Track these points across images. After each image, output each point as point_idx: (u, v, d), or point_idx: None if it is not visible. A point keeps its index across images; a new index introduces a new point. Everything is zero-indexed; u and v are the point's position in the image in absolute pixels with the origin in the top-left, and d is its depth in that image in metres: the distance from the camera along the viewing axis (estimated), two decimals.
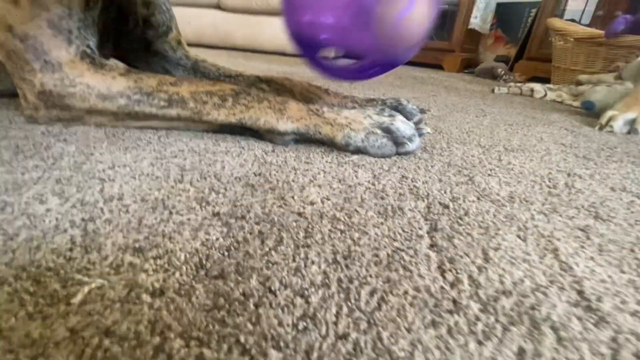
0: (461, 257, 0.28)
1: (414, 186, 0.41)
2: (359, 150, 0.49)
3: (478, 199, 0.39)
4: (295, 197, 0.36)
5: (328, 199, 0.36)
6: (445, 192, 0.40)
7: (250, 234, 0.29)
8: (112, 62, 0.48)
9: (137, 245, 0.26)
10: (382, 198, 0.38)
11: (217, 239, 0.28)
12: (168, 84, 0.47)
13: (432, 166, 0.48)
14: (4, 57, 0.44)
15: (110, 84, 0.45)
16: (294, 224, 0.31)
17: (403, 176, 0.44)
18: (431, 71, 2.21)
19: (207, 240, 0.27)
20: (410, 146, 0.49)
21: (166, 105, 0.47)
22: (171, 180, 0.37)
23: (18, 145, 0.42)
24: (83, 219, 0.29)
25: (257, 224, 0.30)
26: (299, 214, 0.33)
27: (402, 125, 0.49)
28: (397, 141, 0.49)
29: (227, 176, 0.39)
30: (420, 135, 0.52)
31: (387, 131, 0.48)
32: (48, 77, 0.44)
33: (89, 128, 0.48)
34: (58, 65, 0.44)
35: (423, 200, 0.38)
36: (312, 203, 0.35)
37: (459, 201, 0.38)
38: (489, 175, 0.47)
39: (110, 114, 0.47)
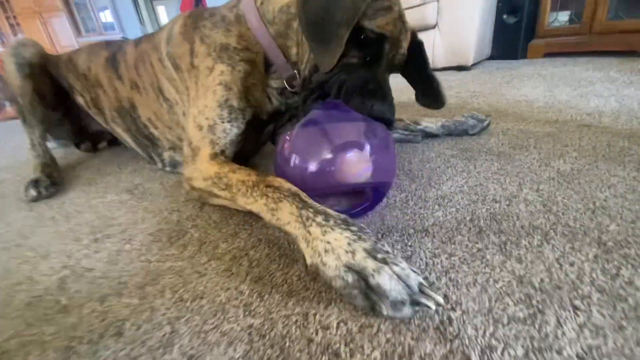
0: None
1: None
2: (328, 286, 0.40)
3: None
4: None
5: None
6: None
7: None
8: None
9: None
10: None
11: None
12: (232, 171, 0.56)
13: None
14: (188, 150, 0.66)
15: (209, 169, 0.60)
16: None
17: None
18: (617, 62, 1.62)
19: None
20: (394, 312, 0.34)
21: (224, 188, 0.56)
22: None
23: None
24: None
25: None
26: None
27: (387, 283, 0.34)
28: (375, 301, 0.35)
29: None
30: (419, 305, 0.34)
31: (365, 283, 0.36)
32: (190, 165, 0.64)
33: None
34: (196, 160, 0.64)
35: None
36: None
37: None
38: None
39: (205, 191, 0.62)
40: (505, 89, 1.39)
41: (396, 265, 0.36)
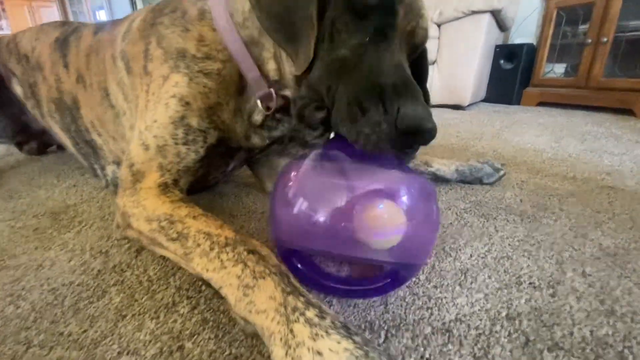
0: None
1: None
2: None
3: None
4: None
5: None
6: None
7: None
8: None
9: None
10: None
11: None
12: (192, 217, 0.40)
13: None
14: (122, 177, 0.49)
15: (156, 208, 0.43)
16: None
17: None
18: (614, 119, 1.60)
19: None
20: None
21: (174, 237, 0.39)
22: None
23: None
24: None
25: None
26: None
27: None
28: None
29: None
30: None
31: None
32: (129, 197, 0.46)
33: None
34: (136, 190, 0.46)
35: None
36: None
37: None
38: None
39: (147, 237, 0.44)
40: (507, 134, 1.31)
41: None
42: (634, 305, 0.38)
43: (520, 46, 2.14)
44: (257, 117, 0.52)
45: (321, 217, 0.34)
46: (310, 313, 0.27)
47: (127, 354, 0.32)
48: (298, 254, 0.41)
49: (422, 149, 1.04)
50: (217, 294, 0.39)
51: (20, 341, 0.34)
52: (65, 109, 0.72)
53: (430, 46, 1.99)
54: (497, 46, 2.21)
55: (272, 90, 0.49)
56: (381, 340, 0.33)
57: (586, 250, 0.49)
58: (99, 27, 0.70)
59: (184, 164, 0.48)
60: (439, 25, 2.00)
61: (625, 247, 0.50)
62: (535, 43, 2.22)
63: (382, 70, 0.38)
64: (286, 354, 0.26)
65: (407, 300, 0.39)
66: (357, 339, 0.26)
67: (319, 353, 0.25)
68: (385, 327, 0.35)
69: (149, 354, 0.32)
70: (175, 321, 0.36)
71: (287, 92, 0.49)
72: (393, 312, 0.37)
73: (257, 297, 0.30)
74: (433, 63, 2.08)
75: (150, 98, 0.49)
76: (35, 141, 1.06)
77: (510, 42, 2.43)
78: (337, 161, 0.38)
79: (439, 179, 0.75)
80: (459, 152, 1.04)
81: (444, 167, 0.74)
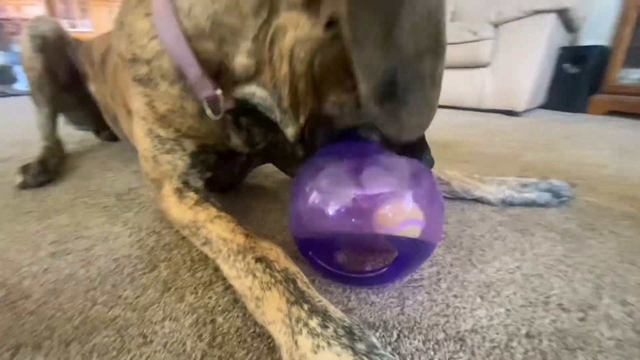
0: None
1: None
2: None
3: None
4: None
5: None
6: None
7: None
8: (193, 193, 0.49)
9: None
10: None
11: None
12: (210, 221, 0.43)
13: None
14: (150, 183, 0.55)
15: (182, 216, 0.47)
16: None
17: None
18: None
19: None
20: None
21: (204, 242, 0.43)
22: None
23: None
24: None
25: None
26: None
27: None
28: None
29: None
30: None
31: None
32: (161, 203, 0.52)
33: None
34: (162, 198, 0.51)
35: None
36: None
37: None
38: None
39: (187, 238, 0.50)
40: (564, 145, 1.22)
41: None
42: None
43: (590, 48, 1.95)
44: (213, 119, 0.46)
45: (334, 209, 0.38)
46: (314, 322, 0.29)
47: (170, 320, 0.37)
48: (314, 244, 0.43)
49: (460, 157, 1.01)
50: None
51: (87, 299, 0.41)
52: (113, 119, 0.83)
53: (485, 47, 1.90)
54: (561, 48, 2.03)
55: (217, 93, 0.43)
56: (393, 339, 0.35)
57: (631, 278, 0.46)
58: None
59: (179, 170, 0.51)
60: (495, 26, 1.89)
61: None
62: (608, 45, 2.00)
63: None
64: None
65: (424, 305, 0.40)
66: (361, 346, 0.27)
67: None
68: (399, 328, 0.36)
69: (187, 323, 0.37)
70: (210, 297, 0.41)
71: (254, 91, 0.43)
72: (408, 315, 0.38)
73: (267, 309, 0.32)
74: (486, 65, 1.97)
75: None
76: (109, 130, 1.21)
77: (578, 43, 2.21)
78: (349, 157, 0.42)
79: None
80: (505, 162, 0.99)
81: (490, 194, 0.67)
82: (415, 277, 0.45)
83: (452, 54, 2.10)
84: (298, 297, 0.31)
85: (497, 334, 0.36)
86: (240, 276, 0.36)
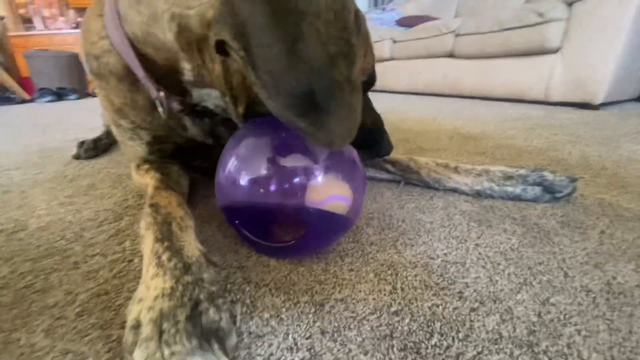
0: None
1: None
2: None
3: None
4: None
5: None
6: None
7: None
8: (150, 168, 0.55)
9: None
10: None
11: None
12: (151, 185, 0.49)
13: None
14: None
15: (138, 181, 0.56)
16: None
17: None
18: None
19: None
20: None
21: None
22: None
23: None
24: None
25: None
26: None
27: None
28: None
29: None
30: None
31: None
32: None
33: None
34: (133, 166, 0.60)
35: None
36: None
37: None
38: None
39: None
40: (628, 141, 1.00)
41: None
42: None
43: None
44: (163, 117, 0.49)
45: (247, 180, 0.39)
46: (165, 256, 0.33)
47: (100, 255, 0.45)
48: (235, 212, 0.46)
49: (479, 149, 0.92)
50: None
51: (57, 234, 0.52)
52: None
53: (554, 30, 1.65)
54: None
55: (160, 95, 0.45)
56: (258, 294, 0.37)
57: (580, 280, 0.38)
58: None
59: (140, 154, 0.57)
60: (569, 4, 1.62)
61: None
62: None
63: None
64: (139, 288, 0.31)
65: (314, 272, 0.40)
66: (187, 278, 0.31)
67: (147, 287, 0.30)
68: (270, 287, 0.38)
69: (109, 256, 0.44)
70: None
71: (209, 93, 0.45)
72: (290, 278, 0.39)
73: (144, 245, 0.37)
74: (556, 51, 1.71)
75: None
76: None
77: None
78: (271, 130, 0.41)
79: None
80: (528, 156, 0.87)
81: (464, 185, 0.62)
82: (330, 250, 0.45)
83: (510, 40, 1.87)
84: (164, 236, 0.36)
85: (364, 306, 0.35)
86: (141, 219, 0.42)
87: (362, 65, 0.39)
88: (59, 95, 3.63)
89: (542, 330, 0.31)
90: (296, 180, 0.38)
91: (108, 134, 1.13)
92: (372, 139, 0.55)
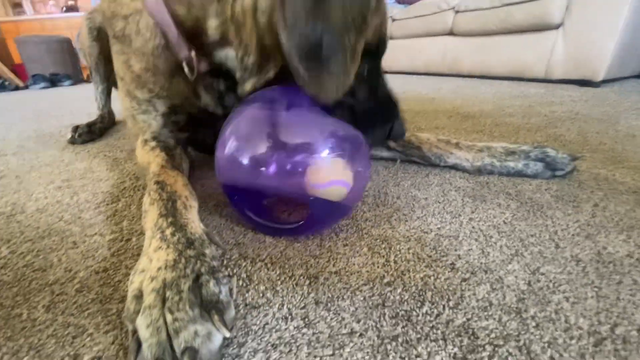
0: None
1: None
2: None
3: None
4: None
5: None
6: None
7: None
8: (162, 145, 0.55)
9: None
10: None
11: None
12: (154, 162, 0.49)
13: None
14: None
15: (142, 158, 0.55)
16: None
17: None
18: None
19: None
20: None
21: (150, 177, 0.47)
22: None
23: None
24: None
25: None
26: None
27: (144, 333, 0.26)
28: None
29: None
30: None
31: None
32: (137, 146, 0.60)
33: None
34: (136, 146, 0.59)
35: None
36: None
37: None
38: None
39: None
40: (627, 117, 0.99)
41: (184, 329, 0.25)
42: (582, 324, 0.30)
43: None
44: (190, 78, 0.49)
45: (247, 159, 0.38)
46: (168, 230, 0.34)
47: (99, 235, 0.46)
48: (237, 191, 0.45)
49: (477, 127, 0.92)
50: None
51: (56, 216, 0.52)
52: None
53: (555, 5, 1.61)
54: None
55: (191, 54, 0.46)
56: (255, 268, 0.37)
57: (571, 250, 0.39)
58: None
59: (152, 128, 0.56)
60: None
61: (634, 264, 0.37)
62: None
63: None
64: (140, 260, 0.32)
65: (309, 248, 0.41)
66: (190, 252, 0.31)
67: (150, 259, 0.31)
68: (266, 261, 0.39)
69: (108, 236, 0.45)
70: (137, 223, 0.48)
71: (227, 54, 0.46)
72: (286, 254, 0.40)
73: (147, 219, 0.37)
74: (558, 27, 1.67)
75: None
76: None
77: None
78: (277, 107, 0.40)
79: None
80: (527, 133, 0.87)
81: (465, 161, 0.61)
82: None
83: (512, 15, 1.82)
84: (169, 212, 0.37)
85: (357, 278, 0.35)
86: (145, 195, 0.42)
87: (375, 31, 0.44)
88: (53, 81, 3.57)
89: (531, 297, 0.32)
90: (297, 159, 0.37)
91: (102, 118, 1.12)
92: (385, 119, 0.53)
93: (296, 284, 0.35)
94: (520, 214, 0.47)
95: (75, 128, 0.98)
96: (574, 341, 0.27)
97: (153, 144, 0.56)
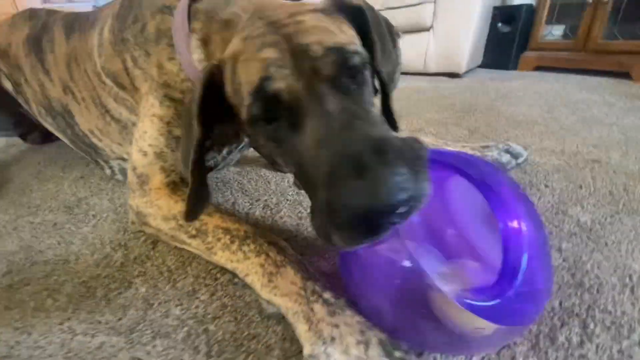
0: None
1: None
2: None
3: None
4: None
5: None
6: None
7: None
8: None
9: None
10: None
11: None
12: (207, 214, 0.45)
13: None
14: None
15: (172, 207, 0.47)
16: None
17: None
18: (610, 84, 1.60)
19: None
20: None
21: (194, 234, 0.45)
22: None
23: None
24: None
25: None
26: None
27: None
28: None
29: None
30: None
31: None
32: (140, 199, 0.50)
33: None
34: (147, 192, 0.50)
35: None
36: None
37: None
38: None
39: (166, 234, 0.49)
40: (502, 104, 1.33)
41: None
42: (601, 277, 0.43)
43: (519, 7, 2.07)
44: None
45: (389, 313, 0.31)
46: (327, 295, 0.33)
47: (160, 337, 0.37)
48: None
49: (414, 126, 1.06)
50: (232, 280, 0.44)
51: (64, 330, 0.39)
52: (57, 114, 0.74)
53: (427, 11, 1.93)
54: (495, 8, 2.14)
55: None
56: None
57: (564, 227, 0.54)
58: (68, 28, 0.68)
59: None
60: None
61: (601, 221, 0.55)
62: (534, 3, 2.14)
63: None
64: (309, 328, 0.31)
65: None
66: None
67: (336, 326, 0.30)
68: None
69: (179, 337, 0.37)
70: (197, 307, 0.41)
71: None
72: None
73: (281, 283, 0.35)
74: (429, 29, 2.03)
75: (140, 110, 0.53)
76: (38, 131, 1.06)
77: (509, 3, 2.34)
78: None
79: None
80: (453, 128, 1.07)
81: None
82: None
83: (396, 18, 2.11)
84: (311, 275, 0.35)
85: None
86: (249, 257, 0.38)
87: None
88: None
89: (578, 266, 0.44)
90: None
91: None
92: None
93: None
94: None
95: None
96: None
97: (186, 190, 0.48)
